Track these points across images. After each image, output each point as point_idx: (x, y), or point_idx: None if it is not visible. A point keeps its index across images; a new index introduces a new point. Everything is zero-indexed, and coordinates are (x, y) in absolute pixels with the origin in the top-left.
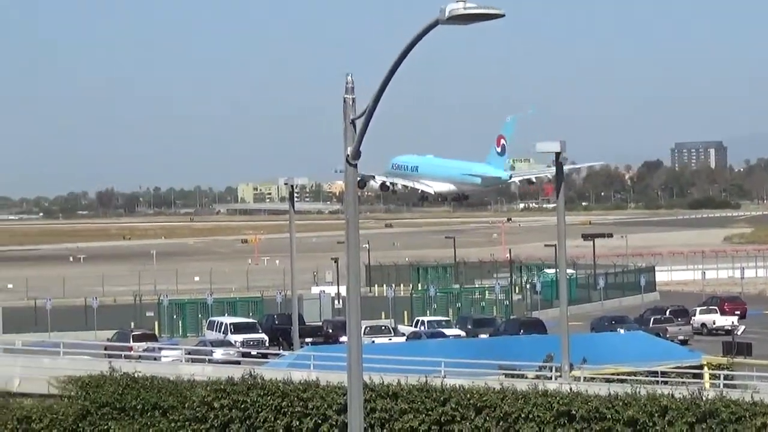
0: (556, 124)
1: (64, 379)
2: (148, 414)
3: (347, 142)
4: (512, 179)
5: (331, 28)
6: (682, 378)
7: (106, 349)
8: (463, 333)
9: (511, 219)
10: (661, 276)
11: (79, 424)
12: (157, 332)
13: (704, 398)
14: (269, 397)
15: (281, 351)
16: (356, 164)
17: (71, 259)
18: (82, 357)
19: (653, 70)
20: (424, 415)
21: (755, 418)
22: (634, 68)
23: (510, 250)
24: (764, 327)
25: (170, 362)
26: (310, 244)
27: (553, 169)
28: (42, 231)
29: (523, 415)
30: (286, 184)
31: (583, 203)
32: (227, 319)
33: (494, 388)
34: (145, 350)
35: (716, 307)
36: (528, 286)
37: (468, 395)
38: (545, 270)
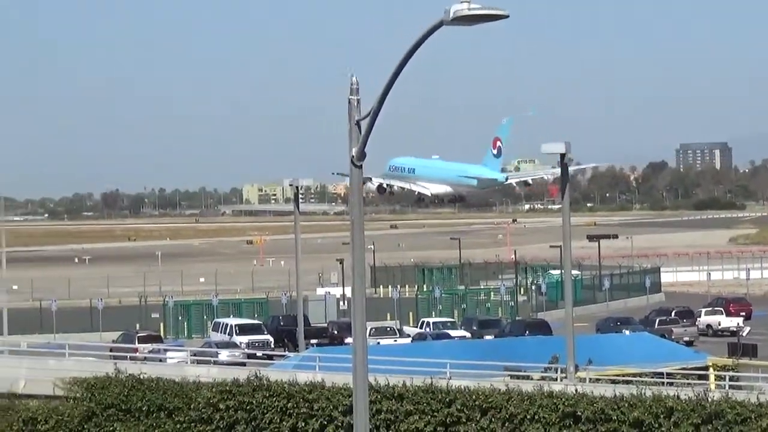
0: (561, 125)
1: (69, 381)
2: (154, 415)
3: (352, 143)
4: (508, 181)
5: (331, 28)
6: (687, 379)
7: (111, 350)
8: (468, 334)
9: (516, 220)
10: (667, 277)
11: (85, 426)
12: (162, 334)
13: (710, 399)
14: (275, 399)
15: (286, 352)
16: (361, 165)
17: (76, 260)
18: (88, 358)
19: (658, 71)
20: (429, 417)
21: (761, 419)
22: (639, 69)
23: (515, 251)
24: None
25: (176, 364)
26: (315, 245)
27: (550, 171)
28: (47, 232)
29: (528, 417)
30: (291, 185)
31: (588, 204)
32: (232, 321)
33: (500, 390)
34: (150, 352)
35: (722, 309)
36: (533, 287)
37: (473, 396)
38: (550, 271)
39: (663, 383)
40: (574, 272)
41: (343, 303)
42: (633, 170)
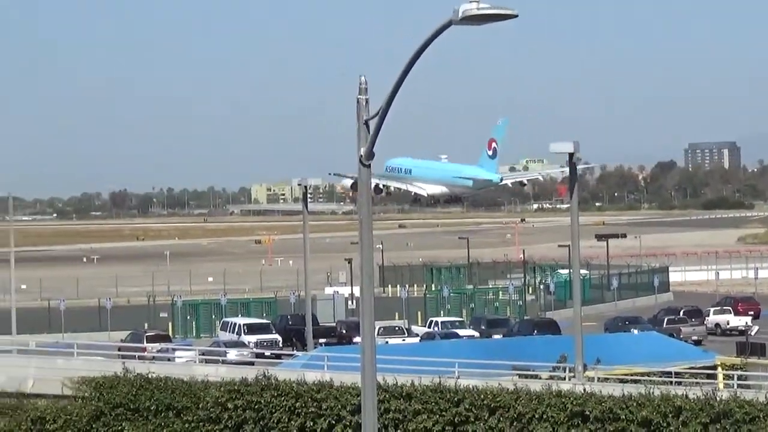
0: (570, 125)
1: (78, 380)
2: (162, 415)
3: (360, 142)
4: (503, 182)
5: (331, 28)
6: (696, 378)
7: (119, 349)
8: (476, 333)
9: (524, 219)
10: (675, 276)
11: (93, 425)
12: (170, 333)
13: (718, 399)
14: (283, 398)
15: (295, 352)
16: (369, 165)
17: (85, 259)
18: (96, 358)
19: (658, 71)
20: (437, 416)
21: None
22: (639, 69)
23: (523, 250)
24: None
25: (184, 363)
26: (323, 244)
27: (548, 171)
28: (55, 232)
29: (536, 416)
30: (299, 184)
31: (597, 204)
32: (241, 320)
33: (508, 389)
34: (158, 351)
35: (730, 308)
36: (541, 286)
37: (482, 396)
38: (559, 270)
39: (671, 382)
40: (583, 271)
41: (352, 302)
42: (641, 170)
